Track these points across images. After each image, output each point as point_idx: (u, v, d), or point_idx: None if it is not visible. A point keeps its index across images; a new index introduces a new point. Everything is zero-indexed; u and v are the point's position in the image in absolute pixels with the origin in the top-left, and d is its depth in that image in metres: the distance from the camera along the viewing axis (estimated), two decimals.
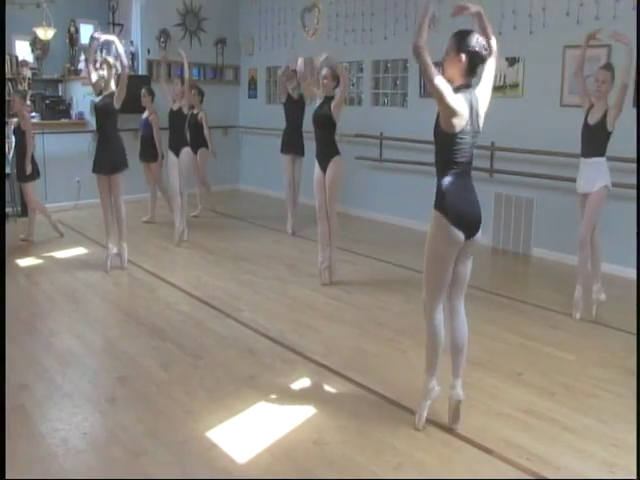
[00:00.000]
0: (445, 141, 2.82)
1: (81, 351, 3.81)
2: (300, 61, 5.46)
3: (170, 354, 3.77)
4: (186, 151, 6.48)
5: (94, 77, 5.39)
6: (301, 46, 8.80)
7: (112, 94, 5.28)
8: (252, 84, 9.91)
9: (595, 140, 4.31)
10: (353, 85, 8.29)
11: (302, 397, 3.25)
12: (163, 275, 5.34)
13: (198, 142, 7.62)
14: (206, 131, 7.61)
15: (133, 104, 7.36)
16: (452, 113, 2.68)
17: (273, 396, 3.24)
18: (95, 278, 5.28)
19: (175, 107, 6.42)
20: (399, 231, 7.25)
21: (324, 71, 5.07)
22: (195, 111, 7.60)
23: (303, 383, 3.41)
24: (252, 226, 7.52)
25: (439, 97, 2.64)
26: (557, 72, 5.92)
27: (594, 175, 4.33)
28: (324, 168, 5.02)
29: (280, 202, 8.92)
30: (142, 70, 8.81)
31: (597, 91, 4.29)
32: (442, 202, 2.83)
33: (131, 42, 8.65)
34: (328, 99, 5.00)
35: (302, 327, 4.23)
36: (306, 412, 3.09)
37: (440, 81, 2.62)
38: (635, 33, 4.33)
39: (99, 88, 5.38)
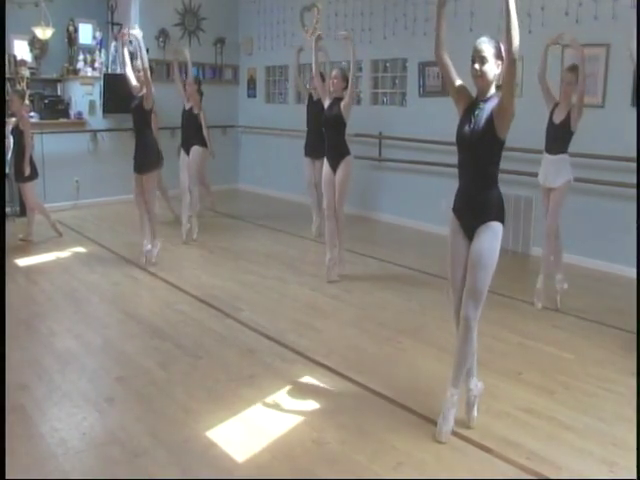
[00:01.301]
0: (498, 148, 2.78)
1: (80, 351, 3.81)
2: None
3: (170, 354, 3.77)
4: (196, 149, 6.61)
5: (134, 81, 5.47)
6: (300, 45, 8.82)
7: (144, 95, 5.41)
8: (251, 84, 9.91)
9: (560, 138, 4.50)
10: None
11: (302, 396, 3.25)
12: (162, 275, 5.34)
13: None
14: (205, 131, 7.58)
15: (132, 103, 7.36)
16: (513, 115, 2.69)
17: (273, 396, 3.24)
18: (94, 278, 5.28)
19: (187, 106, 6.62)
20: (398, 230, 7.25)
21: (334, 72, 5.19)
22: (194, 111, 7.58)
23: (303, 383, 3.41)
24: (252, 226, 7.51)
25: (512, 98, 2.62)
26: (556, 71, 5.88)
27: (558, 171, 4.54)
28: (334, 167, 5.11)
29: (278, 201, 8.98)
30: None
31: (563, 92, 4.49)
32: (503, 214, 2.83)
33: (130, 42, 8.62)
34: (337, 100, 5.10)
35: (302, 327, 4.22)
36: (305, 411, 3.09)
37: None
38: (635, 32, 4.33)
39: (138, 90, 5.48)
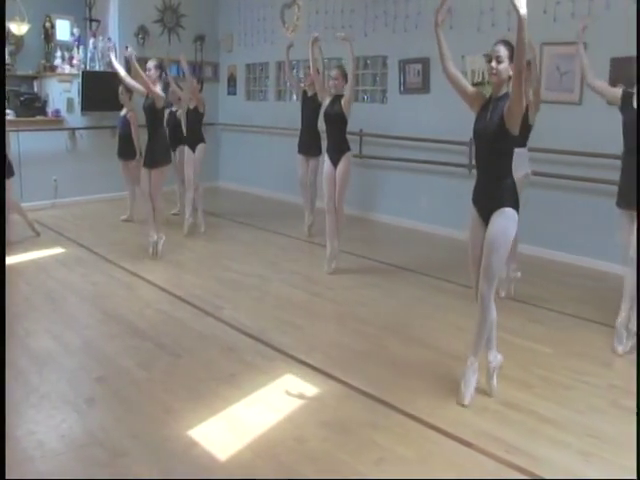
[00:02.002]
0: (512, 143, 3.06)
1: (59, 352, 3.76)
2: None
3: (150, 353, 3.74)
4: (202, 146, 6.78)
5: (140, 87, 5.57)
6: (281, 43, 8.79)
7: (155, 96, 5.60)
8: (231, 81, 9.86)
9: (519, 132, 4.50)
10: None
11: (283, 394, 3.25)
12: (143, 274, 5.29)
13: (178, 140, 7.56)
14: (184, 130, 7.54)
15: (112, 101, 7.30)
16: (522, 113, 2.98)
17: (254, 394, 3.24)
18: (73, 278, 5.22)
19: (192, 105, 6.72)
20: (379, 226, 7.28)
21: (333, 71, 5.39)
22: (174, 109, 7.53)
23: (284, 380, 3.41)
24: (233, 223, 7.48)
25: (520, 100, 2.89)
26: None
27: (517, 164, 4.51)
28: (335, 163, 5.27)
29: (259, 199, 8.96)
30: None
31: None
32: (517, 201, 3.09)
33: (109, 39, 8.53)
34: (338, 97, 5.26)
35: (283, 324, 4.22)
36: (287, 409, 3.09)
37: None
38: (610, 31, 4.40)
39: (145, 94, 5.59)
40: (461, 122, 5.69)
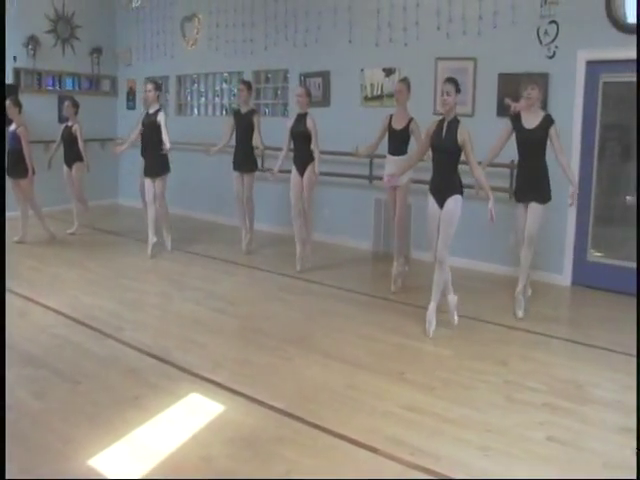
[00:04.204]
0: (459, 152, 4.25)
1: None
2: None
3: (45, 382, 3.53)
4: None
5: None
6: (181, 56, 8.68)
7: (156, 112, 6.35)
8: (131, 95, 9.59)
9: (401, 142, 5.27)
10: (234, 96, 8.28)
11: (188, 414, 3.17)
12: (37, 298, 4.99)
13: (73, 156, 7.25)
14: (81, 144, 7.25)
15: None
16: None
17: (159, 415, 3.14)
18: None
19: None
20: (281, 240, 7.28)
21: (298, 90, 6.00)
22: (69, 123, 7.23)
23: (189, 400, 3.33)
24: (132, 241, 7.24)
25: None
26: (430, 82, 6.26)
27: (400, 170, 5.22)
28: (302, 172, 5.84)
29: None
30: (9, 79, 8.21)
31: (396, 100, 5.31)
32: (462, 190, 4.31)
33: None
34: (302, 115, 5.81)
35: (187, 342, 4.13)
36: (193, 428, 3.02)
37: None
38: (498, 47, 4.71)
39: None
40: (360, 135, 5.88)
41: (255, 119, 6.41)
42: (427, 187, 5.90)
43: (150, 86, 6.41)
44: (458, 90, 4.22)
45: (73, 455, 2.78)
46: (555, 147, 4.48)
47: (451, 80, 4.21)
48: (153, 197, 6.43)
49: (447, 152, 4.19)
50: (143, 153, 6.70)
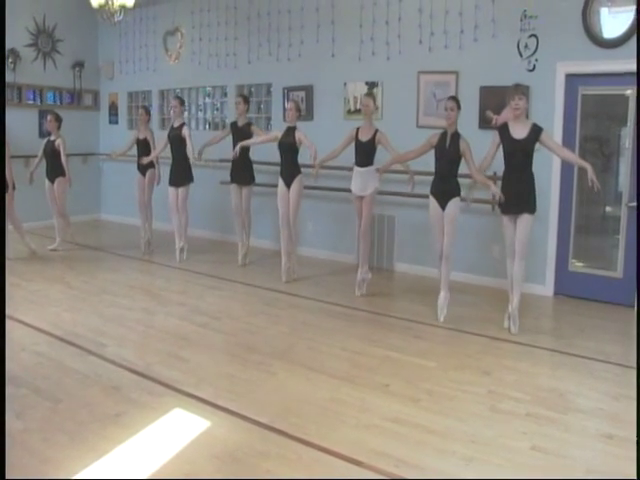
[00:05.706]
0: (459, 160, 4.92)
1: None
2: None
3: (25, 400, 3.46)
4: (152, 172, 7.20)
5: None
6: (164, 70, 8.68)
7: (181, 126, 6.74)
8: (113, 109, 9.57)
9: (368, 154, 5.44)
10: (217, 110, 8.29)
11: (172, 430, 3.14)
12: (16, 315, 4.91)
13: (56, 171, 7.19)
14: (64, 159, 7.20)
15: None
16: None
17: (142, 432, 3.10)
18: None
19: (141, 136, 7.19)
20: (262, 253, 7.26)
21: (289, 104, 6.06)
22: (52, 138, 7.18)
23: (173, 416, 3.29)
24: (114, 257, 7.19)
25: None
26: (413, 95, 6.33)
27: (367, 181, 5.47)
28: (288, 185, 5.95)
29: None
30: None
31: (363, 113, 5.54)
32: (460, 192, 4.91)
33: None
34: (291, 129, 5.90)
35: (170, 358, 4.09)
36: (177, 445, 2.98)
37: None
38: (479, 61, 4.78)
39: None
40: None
41: (253, 129, 6.59)
42: (410, 201, 6.01)
43: (175, 102, 6.93)
44: (459, 107, 4.80)
45: (53, 474, 2.74)
46: (554, 148, 4.56)
47: (454, 98, 4.88)
48: (176, 205, 6.85)
49: (450, 160, 4.78)
50: (140, 165, 7.22)
